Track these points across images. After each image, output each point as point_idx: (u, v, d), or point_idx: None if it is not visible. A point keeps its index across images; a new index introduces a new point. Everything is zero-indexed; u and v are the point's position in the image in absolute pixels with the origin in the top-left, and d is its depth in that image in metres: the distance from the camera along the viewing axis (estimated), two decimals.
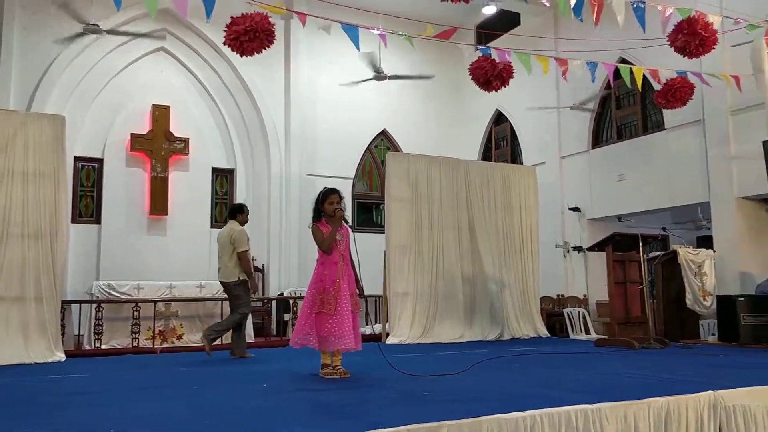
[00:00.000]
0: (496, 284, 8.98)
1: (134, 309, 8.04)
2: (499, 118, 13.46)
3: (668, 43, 6.70)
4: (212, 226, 11.61)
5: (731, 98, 8.84)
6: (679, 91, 7.62)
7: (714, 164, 9.18)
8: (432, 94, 13.63)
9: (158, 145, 11.06)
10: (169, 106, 11.23)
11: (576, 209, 11.37)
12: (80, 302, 8.11)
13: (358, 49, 5.93)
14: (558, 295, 11.21)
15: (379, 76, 12.13)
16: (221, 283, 6.85)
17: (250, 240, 6.87)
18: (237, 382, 4.79)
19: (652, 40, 7.08)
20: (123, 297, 8.31)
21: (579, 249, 10.99)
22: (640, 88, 7.75)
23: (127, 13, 10.68)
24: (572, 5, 5.97)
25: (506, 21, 12.51)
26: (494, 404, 3.30)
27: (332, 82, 12.48)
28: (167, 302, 8.42)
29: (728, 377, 4.32)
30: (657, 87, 7.87)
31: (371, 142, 13.16)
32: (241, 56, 5.45)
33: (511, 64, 6.66)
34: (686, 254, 8.10)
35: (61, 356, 6.54)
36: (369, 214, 13.21)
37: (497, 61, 6.65)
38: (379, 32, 6.23)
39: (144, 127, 11.10)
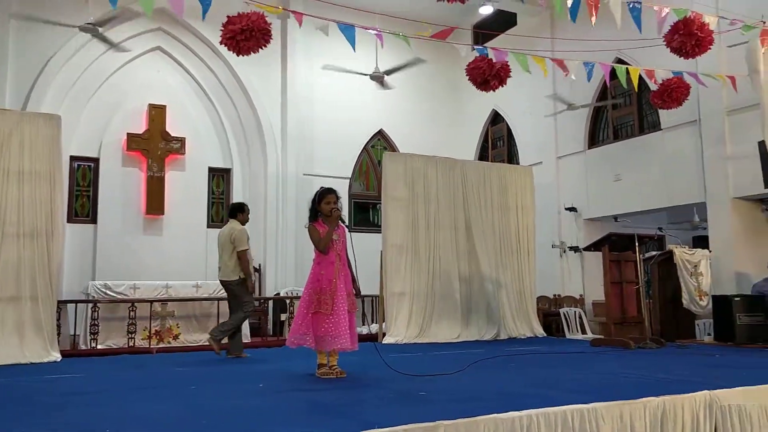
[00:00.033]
0: (493, 284, 8.99)
1: (130, 309, 8.02)
2: (496, 118, 13.47)
3: (664, 43, 6.71)
4: (209, 226, 11.61)
5: (727, 99, 8.87)
6: (675, 92, 7.63)
7: (710, 164, 9.20)
8: (429, 94, 13.64)
9: (154, 144, 11.04)
10: (165, 106, 11.21)
11: (572, 209, 11.39)
12: (76, 302, 8.09)
13: (354, 49, 5.92)
14: (554, 295, 11.23)
15: (375, 75, 12.12)
16: (222, 282, 6.84)
17: (250, 239, 6.86)
18: (234, 382, 4.78)
19: (648, 41, 7.10)
20: (119, 297, 8.29)
21: (575, 249, 11.02)
22: (636, 89, 7.75)
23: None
24: (569, 5, 5.98)
25: (503, 21, 12.54)
26: (491, 404, 3.30)
27: (329, 82, 12.47)
28: (163, 302, 8.40)
29: (724, 377, 4.33)
30: (653, 87, 7.88)
31: (368, 142, 13.17)
32: (238, 55, 5.44)
33: (508, 64, 6.67)
34: (682, 254, 8.12)
35: (56, 356, 6.52)
36: (366, 213, 13.21)
37: (494, 61, 6.65)
38: (375, 33, 6.23)
39: (140, 127, 11.07)
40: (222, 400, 3.87)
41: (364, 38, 6.14)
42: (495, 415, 3.03)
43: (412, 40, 6.35)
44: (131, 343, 7.95)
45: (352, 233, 4.91)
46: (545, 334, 9.15)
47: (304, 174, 12.05)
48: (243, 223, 6.82)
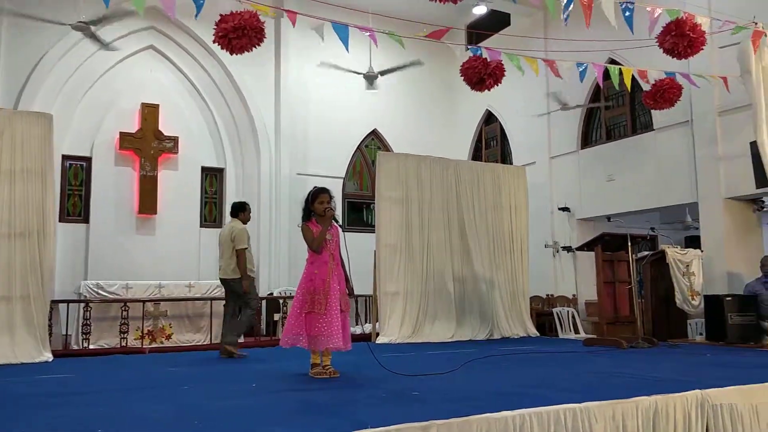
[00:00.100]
0: (486, 284, 9.00)
1: (123, 309, 8.00)
2: (489, 118, 13.50)
3: (657, 44, 6.73)
4: (202, 226, 11.59)
5: (719, 99, 8.92)
6: (667, 92, 7.66)
7: (702, 165, 9.25)
8: (423, 94, 13.66)
9: (147, 143, 11.00)
10: (158, 105, 11.18)
11: (565, 209, 11.42)
12: (68, 302, 8.05)
13: (347, 49, 5.91)
14: (547, 295, 11.26)
15: (368, 75, 12.12)
16: (222, 281, 6.82)
17: (251, 239, 6.87)
18: (226, 382, 4.77)
19: (640, 41, 7.12)
20: (111, 297, 8.27)
21: (568, 249, 11.05)
22: (629, 89, 7.78)
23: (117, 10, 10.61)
24: (562, 6, 5.99)
25: (497, 21, 12.56)
26: (483, 403, 3.30)
27: (323, 82, 12.46)
28: (156, 302, 8.38)
29: (715, 376, 4.35)
30: (646, 88, 7.91)
31: (362, 142, 13.17)
32: (231, 54, 5.42)
33: (503, 63, 6.68)
34: (674, 254, 8.15)
35: (48, 356, 6.49)
36: (359, 213, 13.21)
37: (489, 60, 6.66)
38: (369, 33, 6.22)
39: (133, 126, 11.03)
40: (215, 400, 3.86)
41: (358, 38, 6.13)
42: (488, 414, 3.04)
43: (407, 40, 6.34)
44: (123, 343, 7.92)
45: (345, 233, 4.90)
46: (538, 334, 9.17)
47: (298, 173, 12.04)
48: (244, 222, 6.84)
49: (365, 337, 8.34)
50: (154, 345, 8.10)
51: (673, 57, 6.79)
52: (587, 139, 11.50)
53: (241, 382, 4.63)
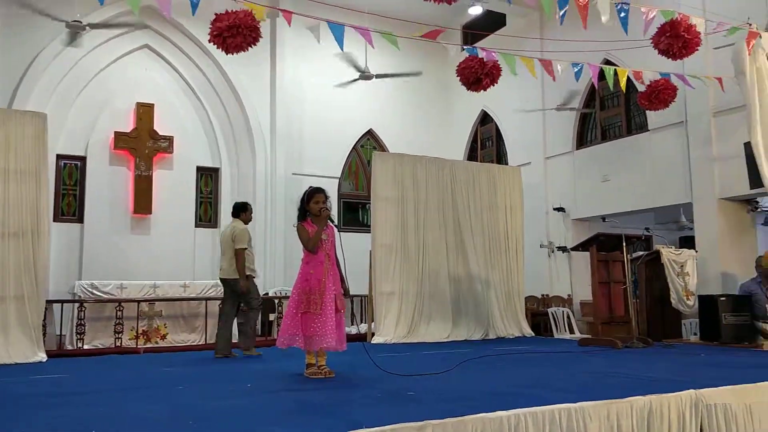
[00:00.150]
0: (482, 284, 9.01)
1: (117, 309, 7.97)
2: (485, 119, 13.51)
3: (652, 45, 6.75)
4: (197, 225, 11.56)
5: (713, 100, 8.95)
6: (662, 93, 7.69)
7: (696, 165, 9.28)
8: (418, 94, 13.66)
9: (142, 143, 10.97)
10: (153, 104, 11.14)
11: (561, 209, 11.45)
12: (62, 302, 8.02)
13: (341, 48, 5.91)
14: (542, 295, 11.27)
15: (365, 75, 12.12)
16: (223, 280, 6.84)
17: (252, 240, 6.91)
18: (222, 382, 4.76)
19: (636, 42, 7.14)
20: (106, 297, 8.24)
21: (563, 249, 11.07)
22: (624, 90, 7.80)
23: (111, 9, 10.60)
24: (557, 7, 6.00)
25: (492, 21, 12.58)
26: (479, 403, 3.30)
27: (319, 82, 12.45)
28: (151, 302, 8.35)
29: (709, 376, 4.37)
30: (641, 88, 7.93)
31: (357, 142, 13.16)
32: (227, 53, 5.41)
33: (498, 63, 6.68)
34: (669, 254, 8.18)
35: (42, 356, 6.46)
36: (355, 213, 13.21)
37: (485, 60, 6.66)
38: (363, 31, 6.21)
39: (128, 125, 11.00)
40: (210, 400, 3.85)
41: (354, 37, 6.13)
42: (483, 414, 3.04)
43: (402, 41, 6.34)
44: (118, 343, 7.90)
45: (341, 233, 4.90)
46: (533, 334, 9.19)
47: (293, 173, 12.03)
48: (246, 223, 6.89)
49: (361, 337, 8.33)
50: (148, 345, 8.08)
51: (668, 58, 6.81)
52: (582, 140, 11.52)
53: (237, 382, 4.62)
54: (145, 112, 11.05)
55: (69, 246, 10.46)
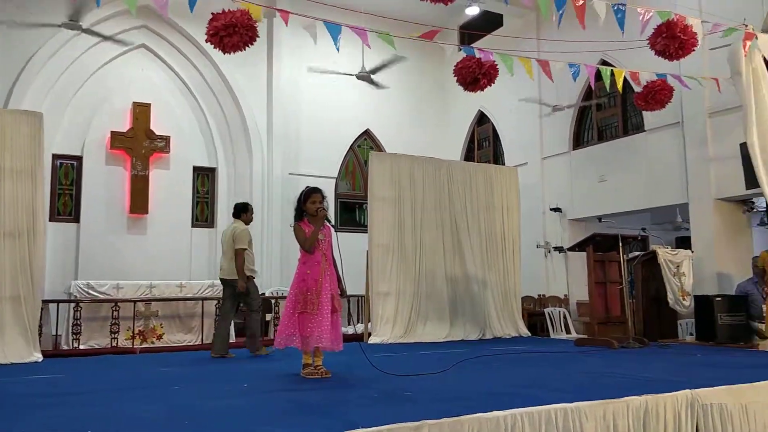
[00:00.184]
0: (478, 284, 9.01)
1: (113, 309, 7.96)
2: (482, 119, 13.52)
3: (648, 46, 6.77)
4: (193, 225, 11.55)
5: (709, 101, 8.97)
6: (658, 94, 7.70)
7: (692, 166, 9.30)
8: (415, 94, 13.67)
9: (139, 143, 10.95)
10: (149, 104, 11.13)
11: (557, 210, 11.46)
12: (58, 302, 8.00)
13: (337, 49, 5.92)
14: (539, 295, 11.29)
15: (361, 75, 12.12)
16: (223, 281, 6.86)
17: (252, 241, 6.94)
18: (218, 382, 4.75)
19: (632, 42, 7.15)
20: (102, 296, 8.22)
21: (560, 249, 11.08)
22: (620, 91, 7.82)
23: (107, 9, 10.58)
24: (553, 7, 6.01)
25: (489, 22, 12.59)
26: (475, 403, 3.30)
27: (315, 82, 12.45)
28: (147, 302, 8.34)
29: (705, 376, 4.38)
30: (637, 89, 7.95)
31: (354, 142, 13.16)
32: (224, 53, 5.40)
33: (496, 64, 6.69)
34: (665, 254, 8.19)
35: (38, 356, 6.44)
36: (352, 213, 13.21)
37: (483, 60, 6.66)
38: (359, 31, 6.20)
39: (124, 125, 10.98)
40: (206, 400, 3.85)
41: (351, 38, 6.12)
42: (479, 414, 3.04)
43: (399, 40, 6.34)
44: (114, 344, 7.88)
45: (338, 233, 4.89)
46: (530, 334, 9.19)
47: (290, 173, 12.02)
48: (247, 223, 6.92)
49: (357, 338, 8.34)
50: (145, 345, 8.06)
51: (664, 58, 6.82)
52: (579, 140, 11.54)
53: (233, 382, 4.61)
54: (141, 111, 11.03)
55: (65, 246, 10.44)
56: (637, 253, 8.72)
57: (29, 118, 6.85)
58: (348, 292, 5.17)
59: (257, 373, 5.26)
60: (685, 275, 8.17)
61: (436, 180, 9.06)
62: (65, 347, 7.78)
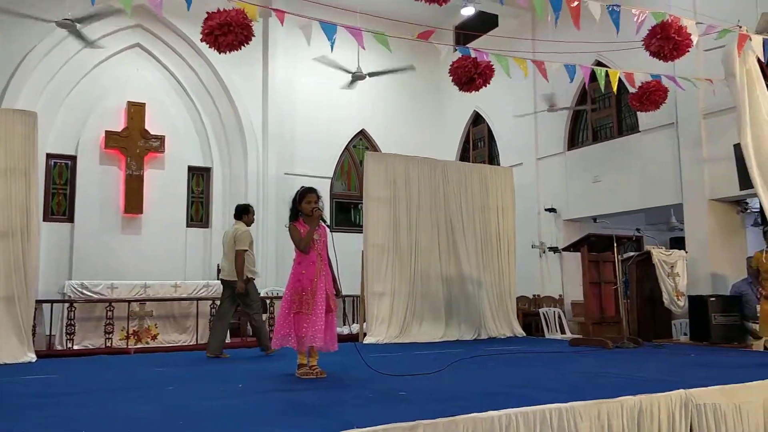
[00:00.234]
0: (473, 284, 9.02)
1: (108, 309, 7.93)
2: (477, 119, 13.54)
3: (643, 47, 6.79)
4: (188, 225, 11.52)
5: (703, 102, 9.00)
6: (653, 95, 7.73)
7: (687, 167, 9.33)
8: (411, 94, 13.67)
9: (133, 142, 10.92)
10: (144, 104, 11.10)
11: (552, 210, 11.48)
12: (52, 302, 7.96)
13: (332, 49, 5.92)
14: (534, 295, 11.31)
15: (357, 75, 12.11)
16: (224, 281, 6.87)
17: (254, 243, 6.97)
18: (213, 382, 4.74)
19: (627, 43, 7.17)
20: (96, 297, 8.19)
21: (555, 249, 11.11)
22: (615, 91, 7.83)
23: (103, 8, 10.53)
24: (549, 8, 6.02)
25: (484, 22, 12.60)
26: (470, 403, 3.31)
27: (311, 82, 12.43)
28: (141, 302, 8.31)
29: (699, 376, 4.39)
30: (632, 90, 7.97)
31: (350, 142, 13.15)
32: (219, 53, 5.39)
33: (491, 64, 6.70)
34: (659, 255, 8.23)
35: (32, 357, 6.41)
36: (347, 213, 13.20)
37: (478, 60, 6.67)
38: (354, 32, 6.20)
39: (119, 125, 10.94)
40: (201, 400, 3.84)
41: (347, 38, 6.12)
42: (474, 414, 3.04)
43: (395, 41, 6.34)
44: (108, 344, 7.85)
45: (333, 233, 4.89)
46: (525, 334, 9.21)
47: (285, 173, 12.00)
48: (248, 225, 6.94)
49: (352, 338, 8.32)
50: (139, 345, 8.04)
51: (659, 59, 6.85)
52: (574, 141, 11.56)
53: (228, 383, 4.61)
54: (136, 111, 11.00)
55: (59, 246, 10.40)
56: (631, 253, 8.76)
57: (23, 117, 6.82)
58: (343, 293, 5.17)
59: (252, 373, 5.25)
60: (680, 275, 8.21)
61: (432, 180, 9.07)
62: (59, 347, 7.74)
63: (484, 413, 3.07)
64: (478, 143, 13.62)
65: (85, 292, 8.22)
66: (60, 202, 10.73)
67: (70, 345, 7.70)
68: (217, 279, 9.72)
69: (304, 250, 4.67)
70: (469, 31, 12.49)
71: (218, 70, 11.62)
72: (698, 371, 4.92)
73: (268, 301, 9.50)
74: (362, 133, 13.29)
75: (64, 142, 10.65)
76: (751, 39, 7.19)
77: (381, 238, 8.55)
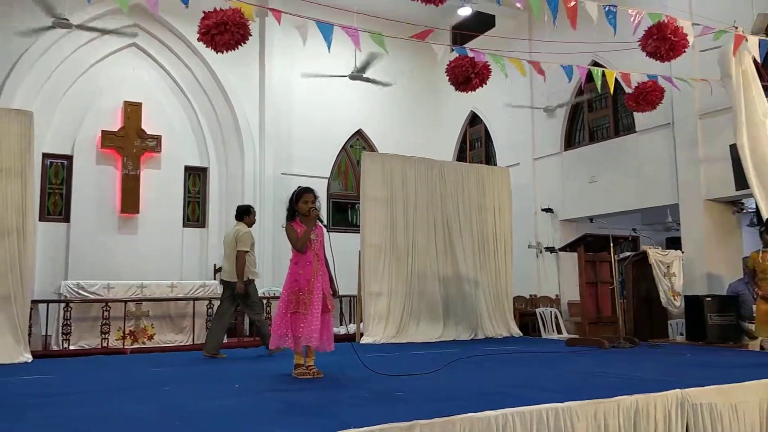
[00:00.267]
0: (470, 284, 9.03)
1: (104, 309, 7.91)
2: (474, 120, 13.55)
3: (639, 47, 6.81)
4: (184, 225, 11.50)
5: (699, 102, 9.02)
6: (649, 95, 7.75)
7: (683, 167, 9.35)
8: (407, 94, 13.67)
9: (130, 142, 10.90)
10: (141, 103, 11.08)
11: (549, 210, 11.50)
12: (48, 302, 7.94)
13: (328, 49, 5.91)
14: (531, 295, 11.32)
15: (354, 75, 12.11)
16: (224, 282, 6.87)
17: (255, 244, 6.96)
18: (209, 383, 4.74)
19: (624, 44, 7.19)
20: (92, 297, 8.17)
21: (551, 249, 11.12)
22: (612, 92, 7.85)
23: (99, 7, 10.52)
24: (546, 8, 6.03)
25: (481, 23, 12.61)
26: (467, 403, 3.31)
27: (307, 82, 12.42)
28: (138, 302, 8.30)
29: (695, 376, 4.40)
30: (628, 90, 7.99)
31: (347, 142, 13.15)
32: (216, 51, 5.39)
33: (488, 64, 6.70)
34: (656, 255, 8.24)
35: (28, 357, 6.39)
36: (344, 213, 13.20)
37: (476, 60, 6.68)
38: (350, 32, 6.20)
39: (115, 124, 10.92)
40: (197, 400, 3.83)
41: (344, 38, 6.12)
42: (471, 414, 3.05)
43: (391, 41, 6.34)
44: (105, 344, 7.84)
45: (330, 233, 4.89)
46: (521, 334, 9.22)
47: (282, 173, 11.99)
48: (249, 225, 6.95)
49: (349, 338, 8.33)
50: (135, 345, 8.02)
51: (655, 60, 6.86)
52: (570, 141, 11.58)
53: (225, 383, 4.60)
54: (132, 110, 10.98)
55: (55, 245, 10.37)
56: (627, 253, 8.77)
57: (19, 116, 6.80)
58: (340, 292, 5.17)
59: (249, 373, 5.25)
60: (676, 276, 8.22)
61: (428, 180, 9.07)
62: (55, 347, 7.73)
63: (480, 413, 3.07)
64: (475, 143, 13.62)
65: (81, 292, 8.21)
66: (56, 201, 10.71)
67: (66, 345, 7.68)
68: (214, 279, 9.76)
69: (301, 250, 4.66)
70: (466, 31, 12.50)
71: (215, 69, 11.60)
72: (694, 371, 4.93)
73: (264, 301, 9.50)
74: (359, 133, 13.29)
75: (61, 142, 10.62)
76: (747, 40, 7.21)
77: (378, 238, 8.55)
